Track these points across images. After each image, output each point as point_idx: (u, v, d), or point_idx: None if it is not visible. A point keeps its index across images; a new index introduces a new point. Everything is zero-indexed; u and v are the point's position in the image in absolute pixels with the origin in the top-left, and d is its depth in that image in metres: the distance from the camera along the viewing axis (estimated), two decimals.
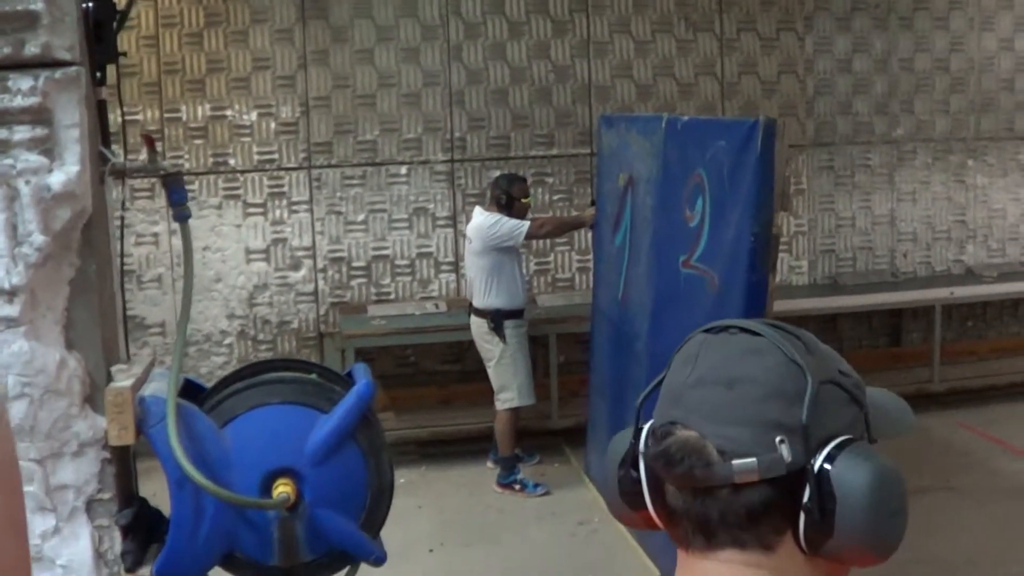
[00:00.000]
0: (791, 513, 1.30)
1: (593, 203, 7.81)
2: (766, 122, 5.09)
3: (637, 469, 1.40)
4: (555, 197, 8.96)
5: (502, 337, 7.56)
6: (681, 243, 5.88)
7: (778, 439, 1.29)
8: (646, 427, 1.41)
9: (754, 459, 1.28)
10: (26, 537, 1.00)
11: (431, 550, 6.68)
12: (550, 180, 8.96)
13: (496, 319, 7.56)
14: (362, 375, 3.41)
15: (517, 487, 7.63)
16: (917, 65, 9.65)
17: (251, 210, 8.50)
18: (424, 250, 8.81)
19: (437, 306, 8.65)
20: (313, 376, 3.45)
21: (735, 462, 1.28)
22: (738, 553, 1.31)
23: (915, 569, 5.90)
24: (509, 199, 7.63)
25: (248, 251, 8.51)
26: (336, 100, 8.58)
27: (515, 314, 7.64)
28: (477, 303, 7.66)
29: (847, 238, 9.67)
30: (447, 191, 8.81)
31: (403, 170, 8.74)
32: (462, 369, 8.80)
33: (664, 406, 1.37)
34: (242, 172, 8.47)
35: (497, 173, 8.52)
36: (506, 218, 7.54)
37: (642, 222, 6.58)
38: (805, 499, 1.28)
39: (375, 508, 3.38)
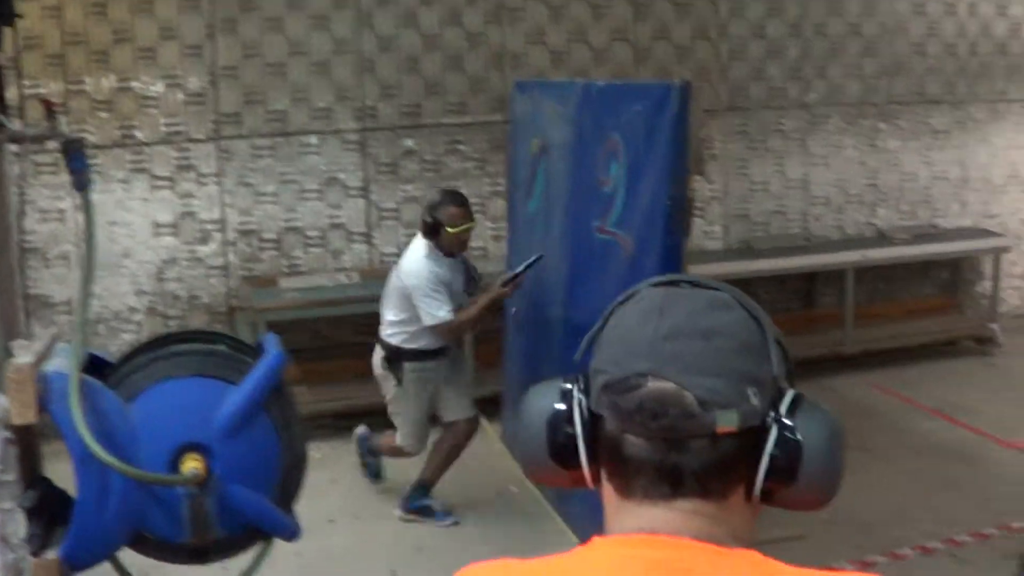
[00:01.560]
0: (752, 462, 1.35)
1: (517, 274, 6.47)
2: (681, 85, 5.15)
3: (572, 425, 1.40)
4: (468, 164, 8.88)
5: (398, 379, 6.52)
6: (595, 208, 5.88)
7: (751, 391, 1.34)
8: (584, 382, 1.42)
9: (735, 409, 1.32)
10: None
11: (331, 520, 6.62)
12: (463, 148, 8.87)
13: (395, 356, 6.50)
14: (272, 345, 3.34)
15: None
16: (830, 29, 9.70)
17: (158, 183, 8.30)
18: (336, 221, 8.69)
19: (349, 277, 8.54)
20: (222, 347, 3.36)
21: (717, 412, 1.31)
22: (700, 503, 1.34)
23: (833, 529, 5.99)
24: (434, 224, 6.31)
25: (156, 225, 8.32)
26: (245, 70, 8.39)
27: (419, 356, 6.48)
28: (381, 332, 6.60)
29: (760, 203, 9.72)
30: (359, 160, 8.69)
31: (314, 140, 8.59)
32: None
33: (626, 358, 1.36)
34: (149, 145, 8.27)
35: (410, 143, 8.41)
36: (431, 298, 6.23)
37: (556, 188, 6.55)
38: (769, 448, 1.34)
39: (288, 482, 3.32)
